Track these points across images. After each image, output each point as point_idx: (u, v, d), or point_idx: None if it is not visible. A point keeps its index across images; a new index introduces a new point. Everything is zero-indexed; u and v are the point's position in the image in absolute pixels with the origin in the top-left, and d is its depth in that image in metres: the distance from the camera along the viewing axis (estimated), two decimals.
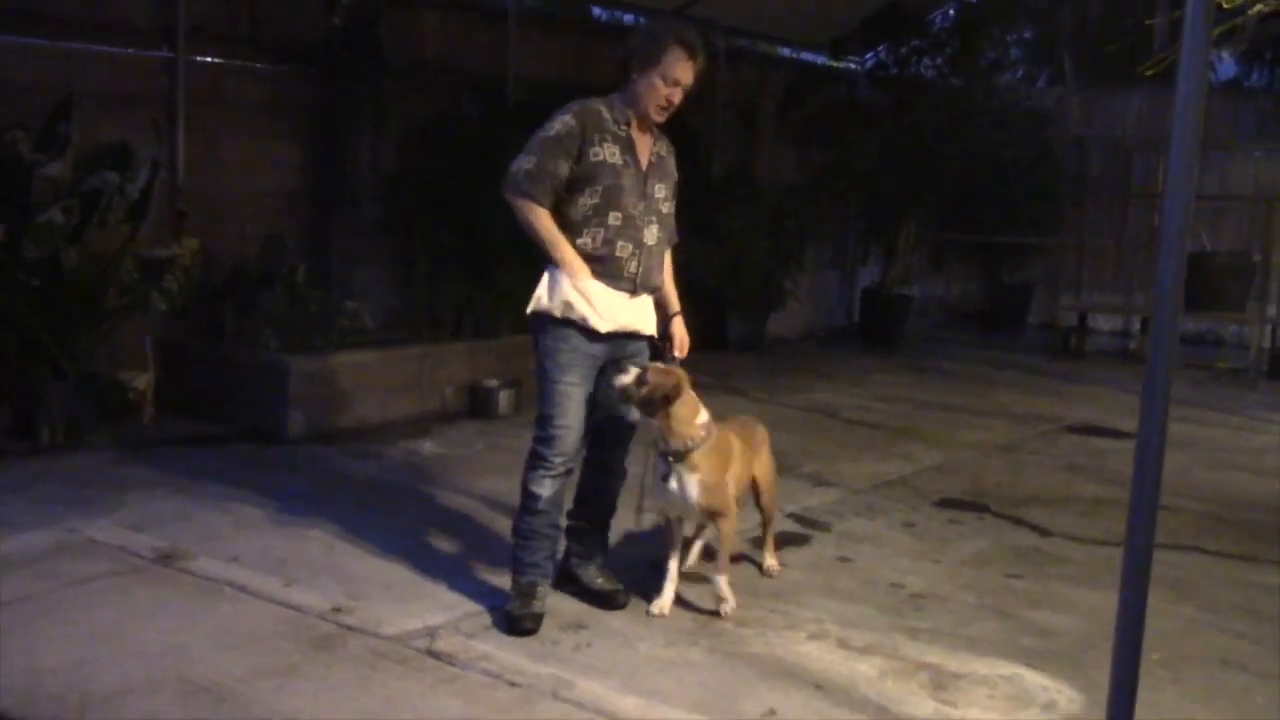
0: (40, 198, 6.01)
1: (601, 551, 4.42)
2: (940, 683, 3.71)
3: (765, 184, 11.07)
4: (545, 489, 4.09)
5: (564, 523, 4.26)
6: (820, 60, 12.61)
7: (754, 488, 4.58)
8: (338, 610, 4.11)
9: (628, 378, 3.99)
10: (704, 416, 4.11)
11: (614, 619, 4.15)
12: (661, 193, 4.16)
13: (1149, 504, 2.39)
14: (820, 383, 9.45)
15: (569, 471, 4.15)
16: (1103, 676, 2.51)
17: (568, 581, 4.37)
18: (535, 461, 4.10)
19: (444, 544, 4.93)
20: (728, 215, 10.34)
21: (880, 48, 12.35)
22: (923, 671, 3.79)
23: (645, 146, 4.15)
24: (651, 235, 4.11)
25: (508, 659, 3.75)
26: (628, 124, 4.10)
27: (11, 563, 4.45)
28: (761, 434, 4.67)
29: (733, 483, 4.25)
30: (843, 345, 11.90)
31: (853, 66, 12.71)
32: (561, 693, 3.52)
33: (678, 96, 4.06)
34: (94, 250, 6.32)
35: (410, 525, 5.17)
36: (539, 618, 4.02)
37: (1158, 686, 3.65)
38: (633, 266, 4.07)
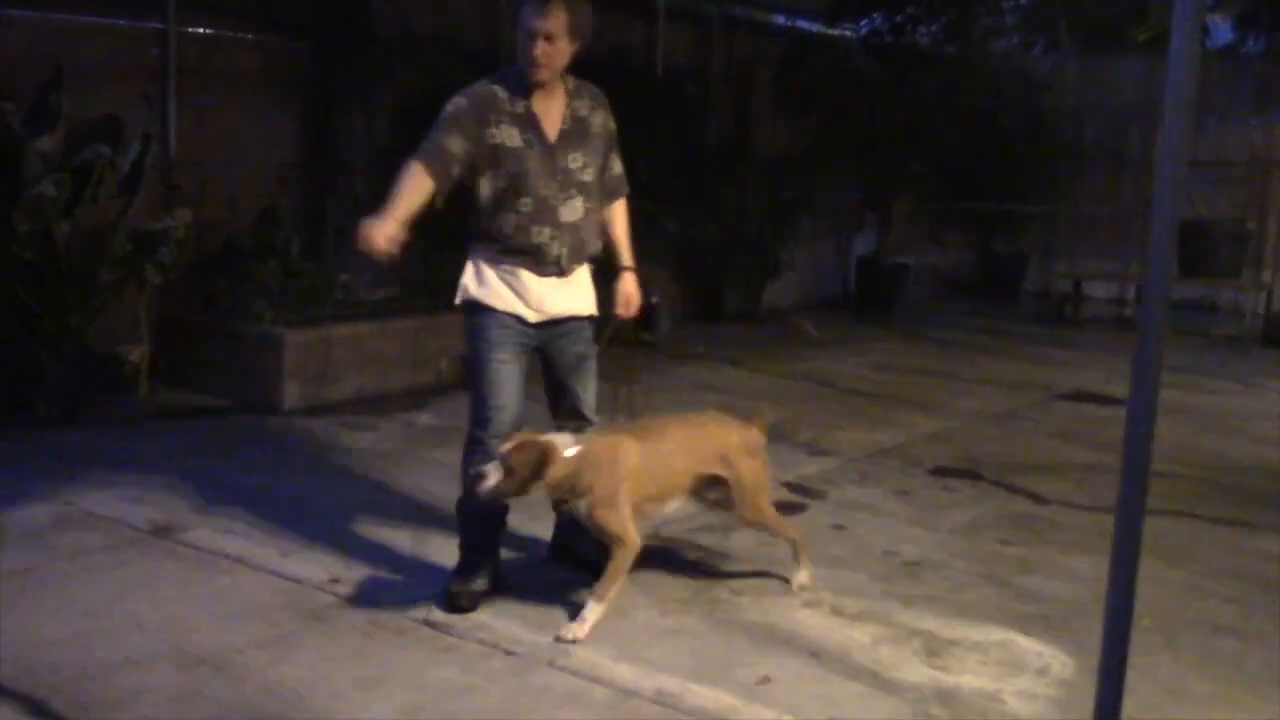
0: (31, 171, 5.98)
1: None
2: (934, 649, 3.74)
3: (760, 153, 11.03)
4: None
5: (510, 502, 3.98)
6: (815, 28, 12.54)
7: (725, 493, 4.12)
8: (334, 581, 4.13)
9: (490, 480, 3.64)
10: (571, 450, 3.74)
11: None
12: (578, 162, 3.95)
13: (1140, 470, 2.39)
14: (816, 352, 9.45)
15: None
16: (1095, 642, 2.53)
17: (565, 555, 4.37)
18: (472, 445, 3.97)
19: (440, 515, 4.94)
20: (723, 185, 10.31)
21: (875, 15, 12.27)
22: (916, 638, 3.82)
23: (554, 115, 3.94)
24: (573, 211, 3.94)
25: (504, 628, 3.77)
26: (527, 96, 3.90)
27: (10, 536, 4.46)
28: (728, 433, 4.12)
29: (628, 496, 3.82)
30: (838, 315, 11.89)
31: (848, 34, 12.65)
32: (557, 661, 3.55)
33: (547, 48, 3.79)
34: (87, 224, 6.30)
35: (405, 496, 5.19)
36: (476, 596, 3.94)
37: (1150, 652, 3.67)
38: (554, 249, 3.92)
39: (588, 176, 3.99)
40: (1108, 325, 11.65)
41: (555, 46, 3.81)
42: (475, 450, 3.94)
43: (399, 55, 8.08)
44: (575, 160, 3.95)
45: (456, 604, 3.91)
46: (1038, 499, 5.51)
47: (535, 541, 4.58)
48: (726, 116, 11.55)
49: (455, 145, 3.84)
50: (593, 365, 4.16)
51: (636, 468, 3.85)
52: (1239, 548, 4.90)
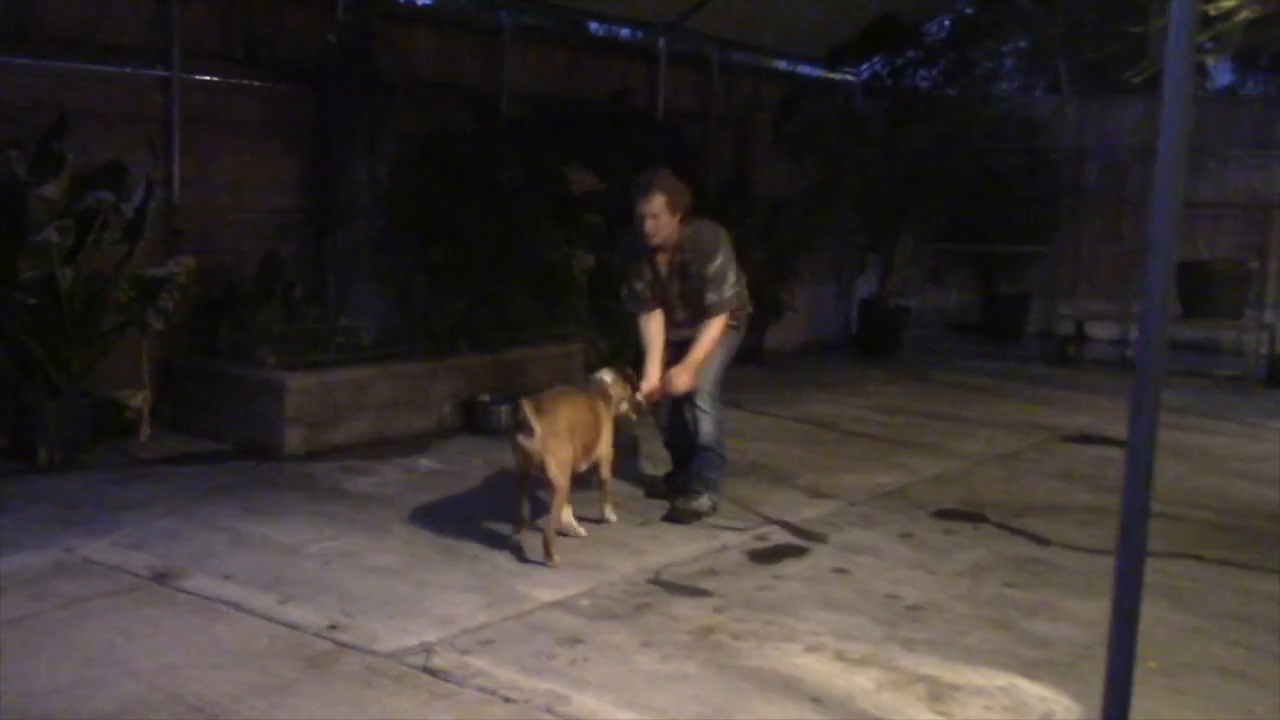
0: (36, 218, 6.00)
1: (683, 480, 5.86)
2: (937, 694, 3.70)
3: (761, 196, 11.07)
4: None
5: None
6: (816, 72, 12.63)
7: None
8: (333, 627, 4.11)
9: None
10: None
11: (612, 634, 4.14)
12: (680, 287, 5.66)
13: (1140, 510, 2.38)
14: (818, 394, 9.45)
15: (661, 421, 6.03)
16: (1100, 686, 2.51)
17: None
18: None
19: (440, 560, 4.92)
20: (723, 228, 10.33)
21: (876, 59, 12.38)
22: (920, 683, 3.78)
23: (665, 258, 5.62)
24: (678, 314, 5.73)
25: (503, 675, 3.74)
26: (652, 254, 5.62)
27: (7, 583, 4.44)
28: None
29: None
30: (841, 357, 11.90)
31: (849, 78, 12.74)
32: (557, 708, 3.51)
33: (653, 224, 5.44)
34: (90, 270, 6.32)
35: (406, 542, 5.16)
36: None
37: (1155, 695, 3.64)
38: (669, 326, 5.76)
39: (682, 293, 5.70)
40: (1111, 366, 11.64)
41: (659, 221, 5.43)
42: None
43: (402, 101, 8.14)
44: (678, 287, 5.67)
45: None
46: (1041, 541, 5.48)
47: (537, 587, 4.55)
48: (727, 159, 11.61)
49: (636, 285, 5.73)
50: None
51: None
52: (1244, 590, 4.86)
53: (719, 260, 5.54)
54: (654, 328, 5.69)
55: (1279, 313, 11.30)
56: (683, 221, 5.53)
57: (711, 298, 5.55)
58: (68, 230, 6.06)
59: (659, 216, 5.42)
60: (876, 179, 11.60)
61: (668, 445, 6.08)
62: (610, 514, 5.51)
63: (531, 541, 5.00)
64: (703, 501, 5.66)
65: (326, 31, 7.83)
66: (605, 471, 5.43)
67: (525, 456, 4.95)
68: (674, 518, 5.59)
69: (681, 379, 5.53)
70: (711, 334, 5.59)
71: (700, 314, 5.61)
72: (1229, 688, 3.84)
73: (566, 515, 5.20)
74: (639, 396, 5.55)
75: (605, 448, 5.35)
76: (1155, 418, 2.38)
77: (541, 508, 5.18)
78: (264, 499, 5.79)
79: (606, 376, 5.52)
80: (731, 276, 5.60)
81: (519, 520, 5.13)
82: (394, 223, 8.06)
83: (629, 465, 6.53)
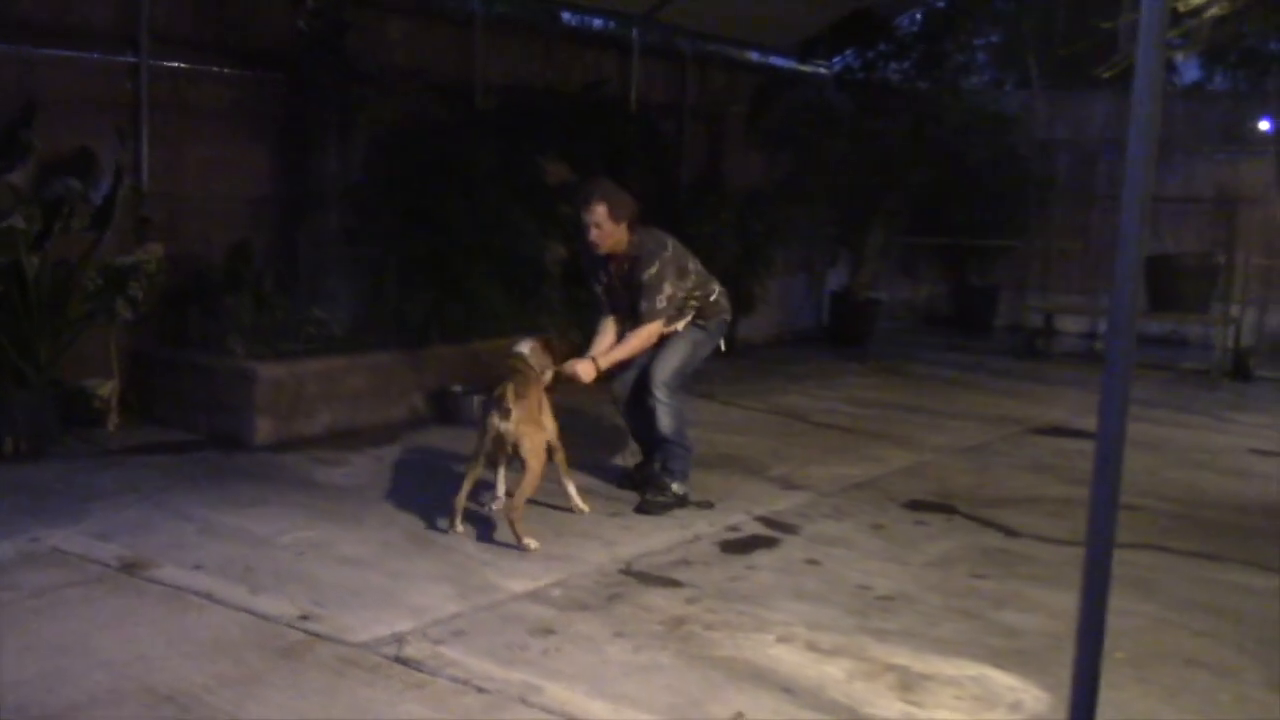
0: (2, 205, 5.94)
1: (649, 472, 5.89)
2: (907, 684, 3.73)
3: (733, 188, 11.09)
4: None
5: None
6: (788, 64, 12.65)
7: None
8: (305, 618, 4.09)
9: None
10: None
11: (584, 624, 4.15)
12: (628, 294, 5.70)
13: (1109, 502, 2.40)
14: (790, 386, 9.48)
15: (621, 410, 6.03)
16: (1068, 675, 2.53)
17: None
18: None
19: (412, 551, 4.91)
20: (696, 220, 10.33)
21: (848, 52, 12.40)
22: (890, 673, 3.81)
23: (615, 265, 5.72)
24: (631, 319, 5.73)
25: (476, 665, 3.74)
26: (605, 261, 5.74)
27: None
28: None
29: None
30: (812, 349, 11.93)
31: (821, 71, 12.76)
32: (530, 698, 3.52)
33: (597, 232, 5.55)
34: (57, 257, 6.26)
35: (377, 532, 5.15)
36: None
37: (1122, 685, 3.68)
38: (625, 330, 5.77)
39: (630, 296, 5.74)
40: (1079, 359, 11.73)
41: (603, 230, 5.54)
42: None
43: (374, 89, 8.09)
44: (626, 294, 5.73)
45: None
46: (1010, 533, 5.52)
47: (509, 577, 4.56)
48: (700, 151, 11.61)
49: (596, 289, 5.91)
50: (667, 352, 5.75)
51: None
52: (1210, 581, 4.92)
53: (654, 269, 5.59)
54: (606, 328, 5.80)
55: (1245, 307, 11.41)
56: (631, 229, 5.61)
57: (643, 305, 5.62)
58: (34, 217, 6.01)
59: (601, 226, 5.53)
60: (848, 171, 11.63)
61: (634, 436, 6.10)
62: (575, 496, 5.48)
63: (500, 530, 5.00)
64: (671, 493, 5.69)
65: (298, 19, 7.77)
66: (558, 455, 5.40)
67: (498, 440, 4.95)
68: (644, 509, 5.61)
69: (582, 367, 5.51)
70: (635, 341, 5.65)
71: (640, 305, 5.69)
72: (1194, 677, 3.88)
73: (570, 488, 5.44)
74: (562, 367, 5.48)
75: (549, 420, 5.31)
76: (1124, 410, 2.40)
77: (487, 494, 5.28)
78: (235, 489, 5.76)
79: (524, 348, 5.40)
80: (667, 288, 5.61)
81: (456, 511, 5.10)
82: (366, 213, 8.02)
83: (601, 458, 6.54)
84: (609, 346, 5.72)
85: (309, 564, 4.68)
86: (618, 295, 5.78)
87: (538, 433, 5.05)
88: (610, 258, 5.70)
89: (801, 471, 6.56)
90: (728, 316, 6.03)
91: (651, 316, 5.63)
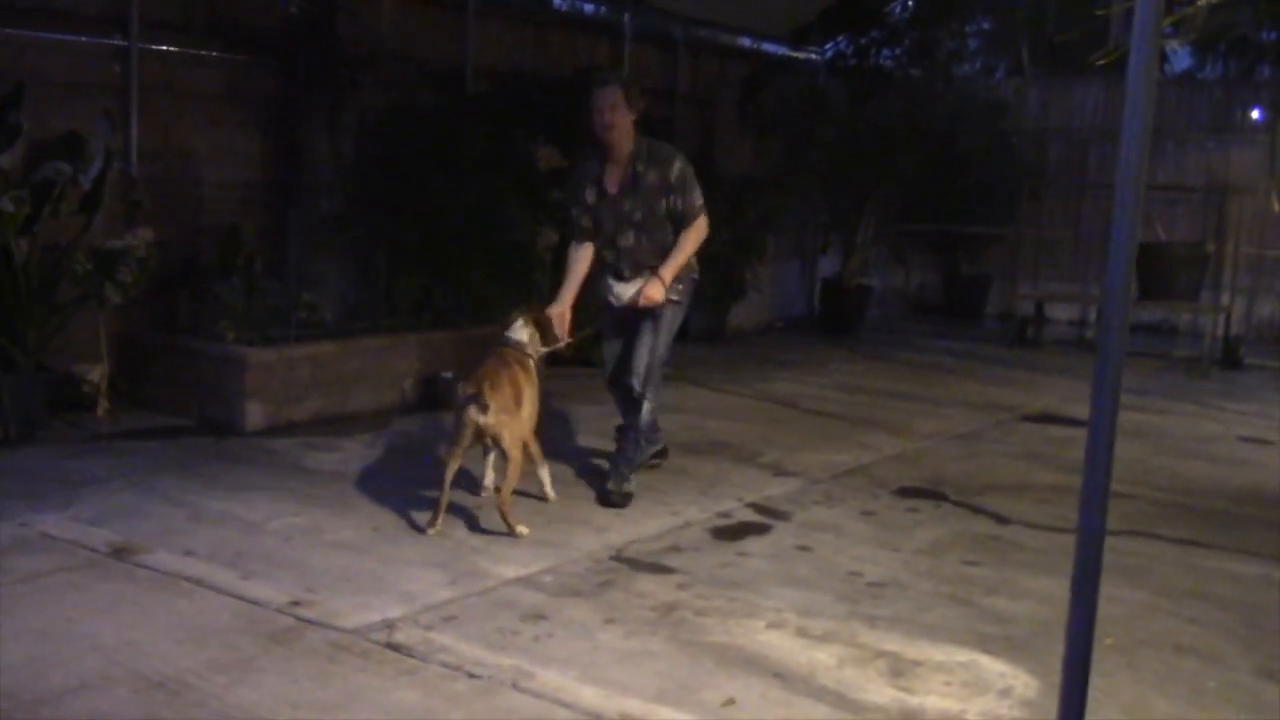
0: None
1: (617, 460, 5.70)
2: (898, 670, 3.74)
3: (725, 175, 11.07)
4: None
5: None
6: (780, 51, 12.63)
7: None
8: (295, 603, 4.09)
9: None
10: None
11: (575, 610, 4.15)
12: (630, 206, 5.52)
13: (1100, 489, 2.41)
14: (780, 373, 9.48)
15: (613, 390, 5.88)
16: (1059, 662, 2.54)
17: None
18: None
19: (403, 536, 4.91)
20: None
21: (840, 38, 12.39)
22: (881, 659, 3.82)
23: (616, 176, 5.52)
24: (627, 239, 5.59)
25: (467, 650, 3.74)
26: (601, 166, 5.55)
27: None
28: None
29: None
30: (803, 336, 11.94)
31: (813, 57, 12.74)
32: (521, 683, 3.52)
33: (606, 117, 5.36)
34: (46, 241, 6.23)
35: (368, 518, 5.15)
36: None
37: (1111, 671, 3.69)
38: (614, 260, 5.66)
39: (639, 216, 5.55)
40: (1070, 347, 11.76)
41: (617, 113, 5.34)
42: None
43: (366, 74, 8.06)
44: (629, 205, 5.53)
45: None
46: (1001, 519, 5.53)
47: (500, 563, 4.56)
48: (692, 137, 11.58)
49: (574, 211, 5.70)
50: (648, 337, 5.57)
51: None
52: (1198, 568, 4.94)
53: (678, 165, 5.49)
54: (581, 257, 5.67)
55: (1235, 295, 11.44)
56: (637, 128, 5.47)
57: (679, 204, 5.48)
58: (23, 201, 5.98)
59: (617, 109, 5.34)
60: (839, 158, 11.63)
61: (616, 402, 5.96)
62: (547, 484, 5.43)
63: (489, 516, 5.00)
64: (634, 483, 5.58)
65: (289, 3, 7.73)
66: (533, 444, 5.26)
67: (478, 434, 4.93)
68: (608, 501, 5.45)
69: (654, 289, 5.47)
70: (689, 245, 5.56)
71: (652, 237, 5.57)
72: (1183, 664, 3.90)
73: (544, 475, 5.41)
74: (556, 331, 5.50)
75: (530, 407, 5.16)
76: (1116, 398, 2.40)
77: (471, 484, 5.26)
78: (225, 474, 5.74)
79: (522, 335, 5.36)
80: (698, 188, 5.53)
81: (441, 507, 4.95)
82: (356, 197, 8.00)
83: (591, 443, 6.54)
84: (583, 277, 5.64)
85: (300, 549, 4.68)
86: (603, 214, 5.56)
87: (516, 423, 4.98)
88: (606, 164, 5.51)
89: (792, 458, 6.56)
90: (696, 275, 5.85)
91: (695, 214, 5.53)
